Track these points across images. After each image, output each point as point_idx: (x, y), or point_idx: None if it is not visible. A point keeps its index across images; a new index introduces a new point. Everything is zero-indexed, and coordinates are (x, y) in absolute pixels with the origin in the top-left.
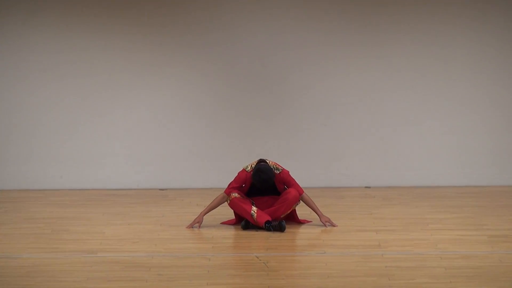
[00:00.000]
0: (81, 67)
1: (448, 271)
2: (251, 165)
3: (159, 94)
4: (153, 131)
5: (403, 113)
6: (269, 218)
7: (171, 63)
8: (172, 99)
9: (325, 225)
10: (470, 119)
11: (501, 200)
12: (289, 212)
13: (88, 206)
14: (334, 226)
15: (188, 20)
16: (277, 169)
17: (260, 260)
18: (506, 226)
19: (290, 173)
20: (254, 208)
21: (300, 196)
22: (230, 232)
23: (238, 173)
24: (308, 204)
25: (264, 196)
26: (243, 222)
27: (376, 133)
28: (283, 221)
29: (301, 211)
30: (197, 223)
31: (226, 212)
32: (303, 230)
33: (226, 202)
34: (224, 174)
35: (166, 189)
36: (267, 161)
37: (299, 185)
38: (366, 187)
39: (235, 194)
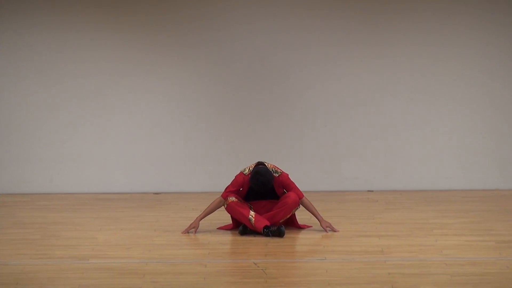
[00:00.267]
0: (73, 69)
1: (454, 278)
2: (249, 168)
3: (153, 95)
4: (146, 133)
5: (407, 115)
6: (268, 223)
7: (166, 63)
8: (167, 100)
9: (326, 230)
10: (476, 122)
11: (509, 204)
12: (288, 216)
13: (79, 210)
14: (335, 231)
15: (185, 19)
16: (276, 172)
17: (258, 266)
18: None
19: (289, 176)
20: (252, 213)
21: (300, 200)
22: (227, 238)
23: (235, 176)
24: (308, 208)
25: (263, 200)
26: (240, 227)
27: (379, 135)
28: (282, 226)
29: (301, 215)
30: (193, 228)
31: (223, 216)
32: (303, 236)
33: (223, 207)
34: (221, 178)
35: (160, 193)
36: (266, 164)
37: (299, 189)
38: (368, 191)
39: (232, 198)
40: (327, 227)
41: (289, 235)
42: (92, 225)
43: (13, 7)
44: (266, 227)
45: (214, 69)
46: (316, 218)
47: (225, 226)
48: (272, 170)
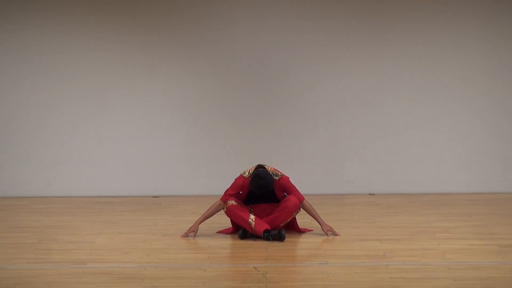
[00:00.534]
0: (72, 70)
1: (457, 282)
2: (249, 171)
3: (152, 96)
4: (145, 135)
5: (409, 117)
6: (268, 227)
7: (166, 64)
8: (165, 102)
9: (327, 234)
10: (479, 124)
11: None
12: (289, 220)
13: (77, 214)
14: (336, 235)
15: (184, 20)
16: (277, 175)
17: (258, 271)
18: None
19: (290, 179)
20: (252, 216)
21: (300, 203)
22: (227, 242)
23: (235, 180)
24: (309, 212)
25: (263, 204)
26: (240, 231)
27: (380, 137)
28: (282, 230)
29: (302, 219)
30: (192, 232)
31: (222, 220)
32: (303, 240)
33: (222, 210)
34: (220, 181)
35: (159, 196)
36: (266, 167)
37: (299, 192)
38: (370, 194)
39: (232, 202)
40: (328, 230)
41: (289, 239)
42: (90, 229)
43: (13, 8)
44: (266, 231)
45: (214, 70)
46: (317, 221)
47: (224, 230)
48: (273, 173)
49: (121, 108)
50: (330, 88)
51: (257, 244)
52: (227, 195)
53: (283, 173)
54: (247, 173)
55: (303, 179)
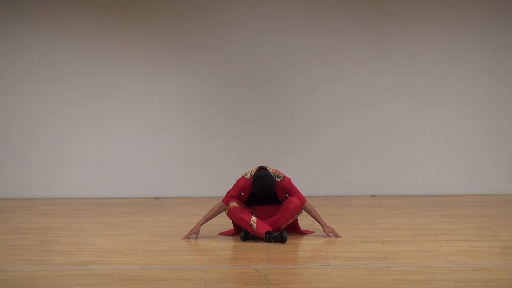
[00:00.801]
0: (72, 72)
1: (458, 284)
2: (251, 173)
3: (153, 98)
4: (147, 137)
5: (411, 118)
6: (270, 229)
7: (166, 66)
8: (166, 104)
9: (328, 236)
10: (481, 126)
11: None
12: (291, 222)
13: (78, 216)
14: (338, 237)
15: (185, 21)
16: (278, 176)
17: (260, 273)
18: None
19: (292, 180)
20: (253, 218)
21: (302, 205)
22: (229, 244)
23: (236, 181)
24: (311, 213)
25: (264, 205)
26: (242, 232)
27: (382, 139)
28: (284, 231)
29: (304, 221)
30: (193, 234)
31: (224, 222)
32: (305, 241)
33: (224, 212)
34: (222, 182)
35: (161, 198)
36: (268, 168)
37: (301, 194)
38: (372, 195)
39: (233, 203)
40: (330, 232)
41: (291, 240)
42: (91, 230)
43: (13, 10)
44: (268, 232)
45: (215, 71)
46: (319, 223)
47: (226, 231)
48: (274, 174)
49: (122, 109)
50: (332, 90)
51: (258, 246)
52: (228, 197)
53: (285, 175)
54: (248, 175)
55: (304, 180)
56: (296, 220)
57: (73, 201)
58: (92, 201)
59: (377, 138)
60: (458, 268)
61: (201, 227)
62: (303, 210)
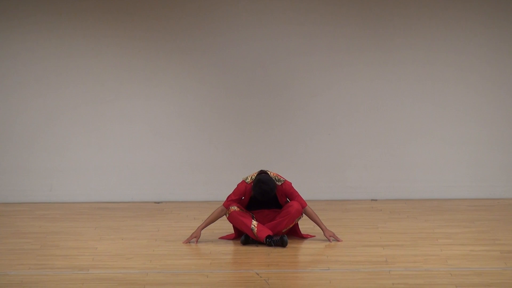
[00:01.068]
0: (72, 76)
1: None
2: (251, 177)
3: (153, 103)
4: (147, 141)
5: (412, 123)
6: (270, 233)
7: (167, 70)
8: (167, 108)
9: (329, 240)
10: (482, 130)
11: None
12: (291, 226)
13: (79, 220)
14: (338, 241)
15: (186, 26)
16: (279, 180)
17: (261, 277)
18: None
19: (292, 184)
20: (254, 222)
21: (303, 209)
22: (229, 248)
23: (237, 185)
24: (312, 217)
25: (265, 210)
26: (242, 237)
27: (383, 143)
28: (285, 235)
29: (304, 225)
30: (194, 238)
31: (225, 226)
32: (306, 245)
33: (224, 216)
34: (222, 186)
35: (161, 202)
36: (268, 172)
37: (302, 198)
38: (372, 200)
39: (234, 207)
40: (330, 236)
41: (292, 245)
42: (92, 234)
43: (14, 14)
44: (268, 236)
45: (217, 76)
46: (320, 227)
47: (227, 235)
48: (275, 178)
49: (122, 114)
50: (333, 94)
51: (259, 250)
52: (229, 201)
53: (286, 179)
54: (249, 179)
55: (305, 184)
56: (297, 224)
57: (73, 206)
58: (92, 206)
59: (378, 142)
60: (459, 272)
61: (202, 231)
62: (303, 214)
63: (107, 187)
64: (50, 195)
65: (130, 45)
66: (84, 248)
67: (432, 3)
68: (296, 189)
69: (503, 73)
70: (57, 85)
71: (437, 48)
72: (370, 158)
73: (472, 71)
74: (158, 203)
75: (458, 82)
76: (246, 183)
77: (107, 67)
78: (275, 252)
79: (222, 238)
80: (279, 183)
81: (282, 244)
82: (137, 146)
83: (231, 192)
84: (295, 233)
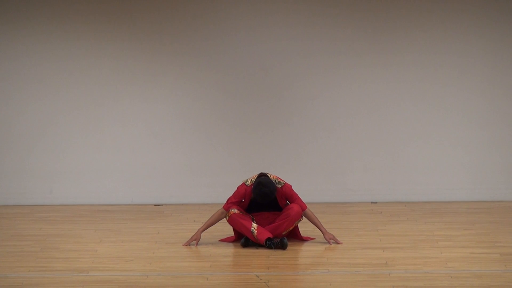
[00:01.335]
0: (72, 79)
1: None
2: (251, 179)
3: (153, 105)
4: (147, 144)
5: (412, 125)
6: (270, 235)
7: (167, 73)
8: (167, 110)
9: (329, 243)
10: (482, 133)
11: None
12: (291, 228)
13: (79, 222)
14: (338, 243)
15: (186, 28)
16: (279, 183)
17: (261, 279)
18: None
19: (292, 187)
20: (254, 225)
21: (303, 211)
22: (229, 250)
23: (237, 188)
24: (312, 220)
25: (265, 212)
26: (242, 239)
27: (383, 146)
28: (285, 238)
29: (304, 227)
30: (194, 240)
31: (225, 228)
32: (306, 248)
33: (224, 218)
34: (222, 189)
35: (161, 205)
36: (268, 175)
37: (302, 200)
38: (372, 202)
39: (234, 210)
40: (330, 239)
41: (292, 247)
42: (92, 237)
43: (15, 16)
44: (268, 239)
45: (217, 79)
46: (320, 230)
47: (227, 238)
48: (275, 181)
49: (123, 116)
50: (333, 97)
51: (259, 253)
52: (229, 203)
53: (286, 181)
54: (249, 181)
55: (305, 187)
56: (297, 226)
57: (73, 208)
58: (92, 208)
59: (378, 145)
60: (459, 274)
61: (202, 234)
62: (303, 217)
63: (107, 189)
64: (50, 198)
65: (131, 48)
66: (84, 250)
67: (431, 6)
68: (296, 192)
69: (504, 75)
70: (57, 87)
71: (437, 51)
72: (370, 160)
73: (472, 73)
74: (158, 205)
75: (458, 84)
76: (246, 185)
77: (107, 69)
78: (275, 254)
79: (222, 240)
80: (279, 186)
81: (282, 246)
82: (137, 148)
83: (231, 195)
84: (295, 236)
